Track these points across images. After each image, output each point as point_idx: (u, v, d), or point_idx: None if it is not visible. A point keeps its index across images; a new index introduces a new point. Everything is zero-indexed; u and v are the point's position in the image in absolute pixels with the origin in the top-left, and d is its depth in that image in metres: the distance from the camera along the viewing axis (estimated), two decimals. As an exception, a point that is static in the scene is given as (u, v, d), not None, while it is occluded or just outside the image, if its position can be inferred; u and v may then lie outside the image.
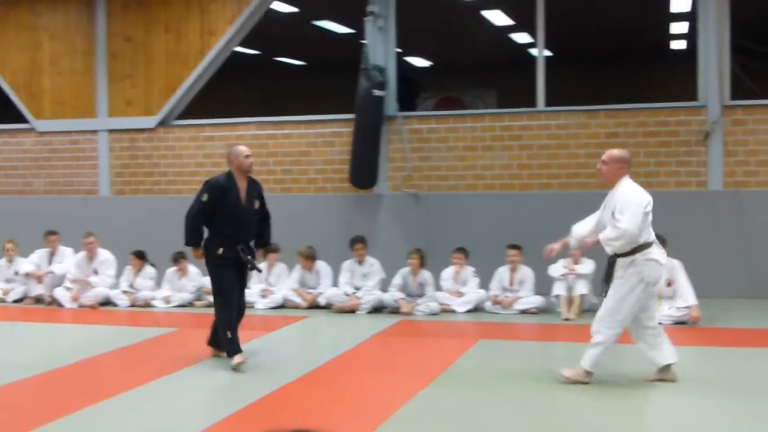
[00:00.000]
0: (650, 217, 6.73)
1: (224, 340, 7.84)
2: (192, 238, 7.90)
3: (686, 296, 9.76)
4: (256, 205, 8.05)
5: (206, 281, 11.75)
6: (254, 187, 8.04)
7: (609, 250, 6.83)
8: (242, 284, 8.12)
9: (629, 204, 6.66)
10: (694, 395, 6.62)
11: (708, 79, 11.55)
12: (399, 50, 13.11)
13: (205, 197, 7.81)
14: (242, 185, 7.92)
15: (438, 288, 11.14)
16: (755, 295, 11.16)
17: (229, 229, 7.82)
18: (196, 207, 7.84)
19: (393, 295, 11.01)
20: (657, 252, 6.79)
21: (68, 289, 11.85)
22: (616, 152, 7.04)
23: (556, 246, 7.15)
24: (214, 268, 7.90)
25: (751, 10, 12.51)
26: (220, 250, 7.80)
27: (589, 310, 10.59)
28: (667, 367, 6.91)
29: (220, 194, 7.79)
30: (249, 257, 7.94)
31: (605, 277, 7.12)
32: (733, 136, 11.47)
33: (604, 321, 6.79)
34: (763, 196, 11.36)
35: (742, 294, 11.16)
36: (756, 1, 12.90)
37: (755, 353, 8.16)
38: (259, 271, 8.79)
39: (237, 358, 7.65)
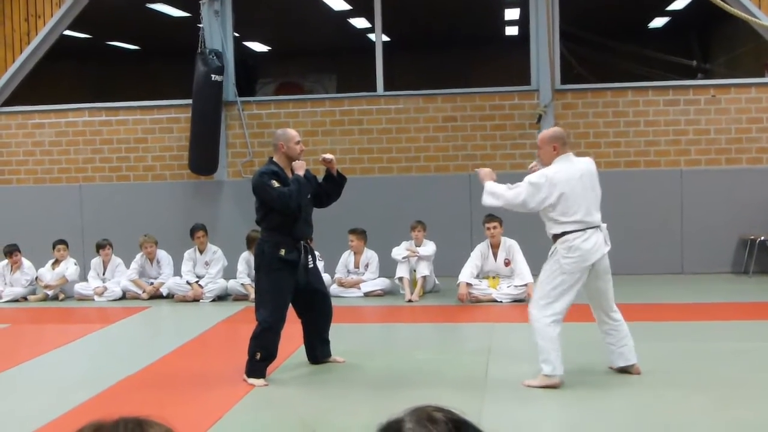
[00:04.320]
0: (561, 201, 6.28)
1: (250, 361, 6.75)
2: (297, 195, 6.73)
3: (523, 275, 10.07)
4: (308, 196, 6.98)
5: (41, 273, 11.36)
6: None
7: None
8: (318, 284, 7.20)
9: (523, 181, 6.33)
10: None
11: (540, 64, 11.93)
12: (237, 35, 12.93)
13: (275, 183, 6.68)
14: (289, 174, 6.85)
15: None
16: (587, 271, 11.62)
17: (288, 226, 6.78)
18: (279, 189, 6.65)
19: (240, 281, 10.88)
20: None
21: None
22: (546, 132, 6.59)
23: None
24: (268, 272, 6.77)
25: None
26: (282, 252, 6.72)
27: (431, 291, 10.81)
28: None
29: (283, 183, 6.73)
30: (309, 257, 6.99)
31: None
32: (564, 119, 11.89)
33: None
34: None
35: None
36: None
37: (588, 326, 8.50)
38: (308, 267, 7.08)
39: (256, 381, 6.68)
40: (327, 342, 7.32)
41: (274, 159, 6.94)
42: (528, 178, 6.36)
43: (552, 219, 6.37)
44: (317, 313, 7.18)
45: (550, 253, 6.44)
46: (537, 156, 6.68)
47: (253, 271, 10.75)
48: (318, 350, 7.28)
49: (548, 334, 6.29)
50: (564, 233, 6.31)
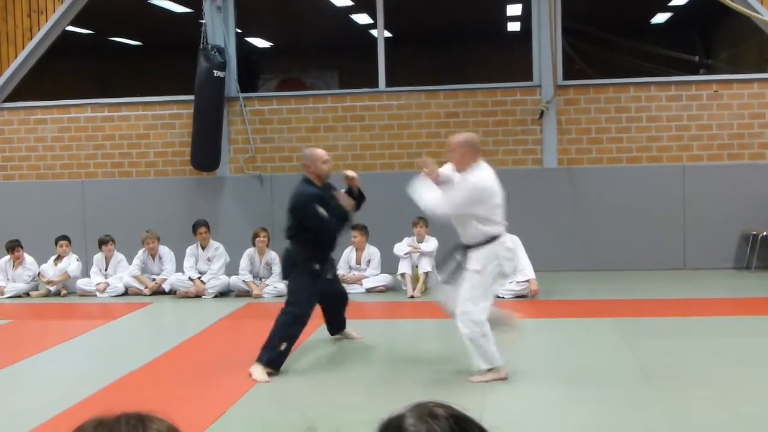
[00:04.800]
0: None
1: (272, 350, 6.85)
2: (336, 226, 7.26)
3: (525, 270, 10.07)
4: None
5: (44, 269, 11.37)
6: (331, 191, 7.37)
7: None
8: (338, 287, 7.82)
9: (459, 188, 6.59)
10: (535, 364, 6.85)
11: (542, 59, 11.92)
12: (239, 31, 12.93)
13: (321, 211, 7.06)
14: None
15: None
16: (588, 267, 11.64)
17: (323, 244, 7.24)
18: (325, 218, 7.09)
19: (242, 278, 10.90)
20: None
21: None
22: (461, 137, 6.90)
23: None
24: (301, 276, 7.13)
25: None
26: (317, 266, 7.15)
27: (433, 287, 10.80)
28: None
29: (324, 206, 7.10)
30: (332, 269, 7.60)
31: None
32: (566, 114, 11.89)
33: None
34: (595, 172, 11.84)
35: (577, 267, 11.62)
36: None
37: (591, 322, 8.51)
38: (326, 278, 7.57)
39: (259, 376, 6.73)
40: (344, 320, 8.00)
41: (307, 177, 7.23)
42: (474, 182, 6.59)
43: (490, 221, 6.55)
44: (337, 305, 7.81)
45: (477, 256, 6.51)
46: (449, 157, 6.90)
47: (255, 269, 10.91)
48: (337, 326, 7.99)
49: (485, 329, 6.44)
50: (497, 236, 6.56)
